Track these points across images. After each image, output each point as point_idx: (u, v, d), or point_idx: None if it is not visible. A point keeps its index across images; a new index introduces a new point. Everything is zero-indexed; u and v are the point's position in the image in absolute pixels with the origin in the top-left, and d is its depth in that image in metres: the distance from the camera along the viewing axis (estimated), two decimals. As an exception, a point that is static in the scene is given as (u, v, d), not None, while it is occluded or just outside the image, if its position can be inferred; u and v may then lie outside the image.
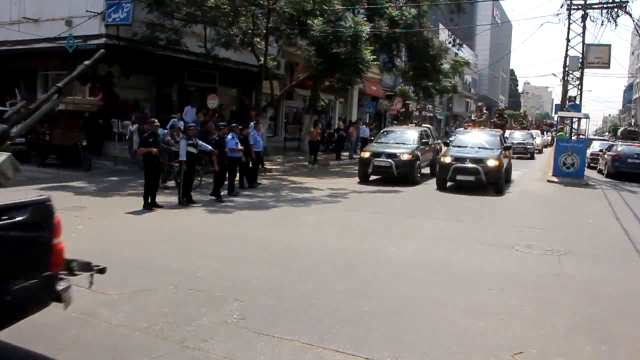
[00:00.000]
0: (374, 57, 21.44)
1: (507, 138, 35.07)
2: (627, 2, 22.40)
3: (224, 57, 19.33)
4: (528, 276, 6.80)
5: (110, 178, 14.31)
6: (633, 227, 10.58)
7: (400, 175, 15.39)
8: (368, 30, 19.49)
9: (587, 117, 24.36)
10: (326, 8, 17.92)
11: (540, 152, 37.20)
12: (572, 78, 25.99)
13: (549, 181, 18.84)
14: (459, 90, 43.01)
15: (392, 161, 15.24)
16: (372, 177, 16.19)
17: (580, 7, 23.87)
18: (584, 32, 24.11)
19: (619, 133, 36.34)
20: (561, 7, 24.14)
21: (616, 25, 22.95)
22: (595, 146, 27.61)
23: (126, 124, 18.19)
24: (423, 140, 16.96)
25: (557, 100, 46.55)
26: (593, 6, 23.58)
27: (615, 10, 22.68)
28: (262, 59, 18.97)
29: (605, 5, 23.09)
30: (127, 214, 9.73)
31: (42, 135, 15.83)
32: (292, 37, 20.37)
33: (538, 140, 37.88)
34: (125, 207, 10.22)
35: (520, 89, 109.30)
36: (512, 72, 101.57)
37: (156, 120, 11.73)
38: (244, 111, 22.66)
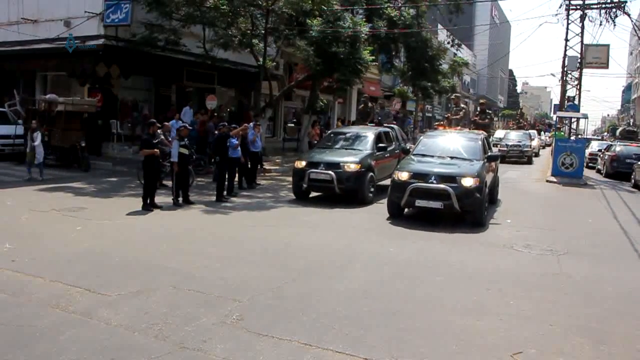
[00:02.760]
0: (373, 57, 21.43)
1: (496, 141, 29.66)
2: (626, 2, 22.46)
3: (223, 58, 19.31)
4: (527, 276, 6.81)
5: (109, 179, 14.30)
6: (632, 227, 10.60)
7: (345, 192, 11.62)
8: (367, 30, 19.48)
9: (585, 117, 24.42)
10: (325, 8, 17.90)
11: (537, 155, 31.86)
12: (571, 78, 26.00)
13: (547, 181, 18.86)
14: (457, 91, 43.03)
15: (332, 173, 11.39)
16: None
17: (578, 7, 23.88)
18: (582, 32, 24.13)
19: (617, 133, 36.41)
20: (560, 7, 24.33)
21: (614, 25, 23.04)
22: (594, 146, 27.70)
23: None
24: (380, 145, 12.90)
25: (556, 100, 46.63)
26: (591, 6, 23.60)
27: (614, 10, 22.71)
28: (260, 59, 18.96)
29: (603, 6, 23.12)
30: (126, 215, 9.72)
31: (41, 136, 15.79)
32: (291, 38, 20.35)
33: (535, 142, 32.03)
34: (124, 208, 10.22)
35: (519, 89, 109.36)
36: (510, 72, 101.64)
37: (156, 122, 11.71)
38: (243, 112, 22.65)
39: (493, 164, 11.63)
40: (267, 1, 17.43)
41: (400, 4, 24.09)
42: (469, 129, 14.02)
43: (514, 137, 28.67)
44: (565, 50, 25.42)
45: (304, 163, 11.96)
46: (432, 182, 9.49)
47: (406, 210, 10.49)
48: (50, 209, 9.79)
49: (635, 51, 72.12)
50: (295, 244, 8.07)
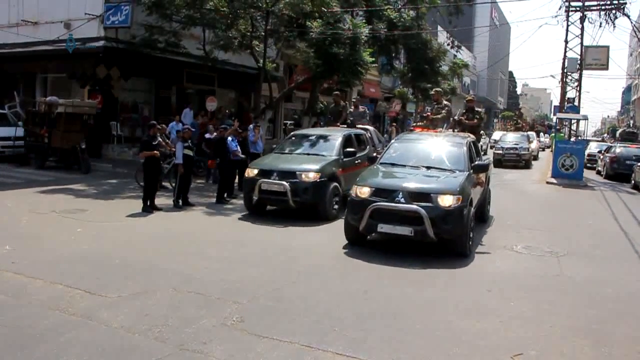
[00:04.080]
0: (373, 59, 21.43)
1: (492, 143, 29.23)
2: (625, 3, 22.48)
3: (223, 60, 19.32)
4: (527, 277, 6.81)
5: (109, 180, 14.30)
6: (632, 228, 10.61)
7: (302, 206, 9.90)
8: (367, 32, 19.49)
9: (585, 118, 24.44)
10: (325, 10, 17.90)
11: (535, 158, 29.91)
12: (571, 80, 26.03)
13: (547, 182, 18.87)
14: (457, 92, 43.01)
15: (286, 184, 9.61)
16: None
17: (578, 8, 23.91)
18: (582, 34, 24.17)
19: (617, 134, 36.44)
20: (559, 9, 24.29)
21: (614, 27, 23.04)
22: (592, 147, 27.76)
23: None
24: (348, 150, 10.93)
25: (556, 101, 46.56)
26: (591, 8, 23.63)
27: (614, 12, 22.73)
28: (260, 61, 18.96)
29: (603, 7, 23.14)
30: (126, 217, 9.72)
31: (41, 138, 15.81)
32: (291, 40, 20.35)
33: (533, 145, 29.89)
34: (124, 210, 10.22)
35: (519, 90, 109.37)
36: (510, 73, 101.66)
37: (156, 123, 11.72)
38: (243, 113, 22.66)
39: (482, 175, 9.28)
40: (267, 3, 17.44)
41: (400, 6, 24.11)
42: (453, 130, 11.83)
43: (510, 139, 26.94)
44: (565, 52, 25.46)
45: (255, 171, 10.21)
46: (399, 201, 7.29)
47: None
48: (51, 210, 9.79)
49: (635, 52, 72.16)
50: (295, 245, 8.05)
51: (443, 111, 11.97)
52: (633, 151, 21.70)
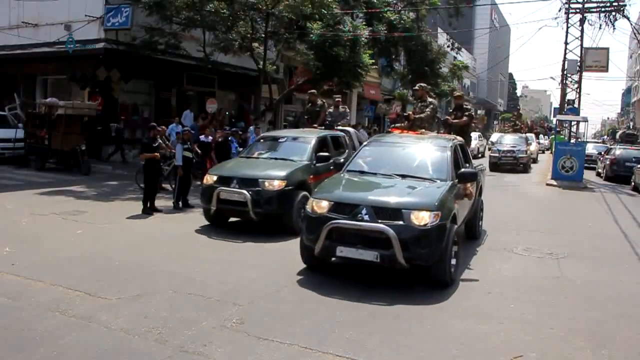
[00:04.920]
0: (373, 60, 21.45)
1: (489, 145, 28.13)
2: (625, 5, 22.52)
3: (223, 62, 19.35)
4: (527, 279, 6.81)
5: (109, 182, 14.30)
6: (632, 230, 10.60)
7: (265, 218, 8.80)
8: (367, 34, 19.51)
9: (585, 120, 24.44)
10: (325, 12, 17.92)
11: (535, 161, 28.95)
12: (571, 81, 26.05)
13: (547, 184, 18.87)
14: (456, 93, 43.07)
15: (247, 193, 8.50)
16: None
17: (578, 10, 23.95)
18: (582, 36, 24.21)
19: (617, 136, 36.46)
20: (559, 10, 24.39)
21: (614, 28, 23.04)
22: (589, 148, 27.84)
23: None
24: (322, 155, 9.68)
25: (556, 103, 46.60)
26: (591, 10, 23.66)
27: (613, 13, 22.77)
28: (261, 63, 18.98)
29: (603, 9, 23.18)
30: (126, 219, 9.72)
31: (41, 140, 15.83)
32: (291, 41, 20.39)
33: (532, 147, 28.55)
34: (124, 212, 10.22)
35: (519, 92, 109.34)
36: (510, 75, 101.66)
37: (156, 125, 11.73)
38: (243, 115, 22.68)
39: (469, 185, 7.79)
40: (267, 5, 17.46)
41: (400, 8, 24.13)
42: (437, 131, 10.56)
43: (507, 141, 25.32)
44: (565, 54, 25.50)
45: (214, 178, 9.12)
46: (363, 218, 5.95)
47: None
48: (51, 212, 9.79)
49: (635, 54, 72.19)
50: (295, 247, 8.01)
51: (427, 110, 10.33)
52: (632, 153, 21.80)
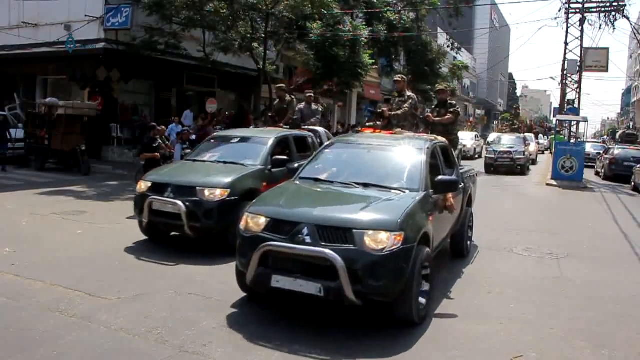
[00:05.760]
0: (373, 60, 21.49)
1: (486, 146, 26.97)
2: (625, 5, 22.52)
3: (223, 62, 19.36)
4: (527, 280, 6.81)
5: (109, 182, 14.30)
6: (632, 230, 10.60)
7: (203, 233, 7.46)
8: (367, 34, 19.53)
9: (585, 120, 24.48)
10: (325, 12, 17.94)
11: (534, 162, 28.15)
12: (571, 81, 26.06)
13: (547, 184, 18.88)
14: (457, 94, 43.01)
15: (181, 204, 7.14)
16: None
17: (578, 10, 23.95)
18: (582, 36, 24.21)
19: (617, 136, 36.46)
20: (559, 10, 24.41)
21: (614, 28, 23.04)
22: (587, 147, 27.95)
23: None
24: (278, 158, 8.34)
25: (556, 103, 46.55)
26: (591, 10, 23.66)
27: (613, 13, 22.77)
28: (260, 63, 18.99)
29: (603, 9, 23.18)
30: (126, 219, 9.71)
31: (41, 140, 15.83)
32: (291, 41, 20.41)
33: (531, 148, 27.34)
34: (124, 212, 10.20)
35: (519, 92, 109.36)
36: (510, 75, 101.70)
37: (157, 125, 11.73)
38: (243, 115, 22.69)
39: (451, 195, 6.36)
40: (267, 5, 17.46)
41: (400, 8, 24.15)
42: (416, 131, 8.90)
43: (505, 141, 23.89)
44: (565, 54, 25.49)
45: (148, 184, 7.75)
46: (303, 240, 4.73)
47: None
48: (51, 212, 9.79)
49: (635, 54, 72.23)
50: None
51: (405, 105, 8.85)
52: (631, 153, 22.03)
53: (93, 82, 18.31)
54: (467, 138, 30.31)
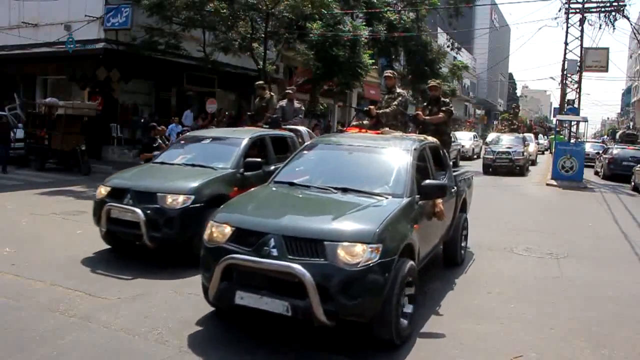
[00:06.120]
0: (373, 60, 21.50)
1: (485, 147, 26.74)
2: (625, 5, 22.54)
3: (223, 62, 19.37)
4: (527, 279, 6.81)
5: (109, 182, 14.28)
6: (632, 230, 10.60)
7: (165, 244, 6.79)
8: (367, 34, 19.54)
9: (585, 120, 24.50)
10: (325, 12, 17.95)
11: (533, 163, 27.90)
12: (571, 81, 26.07)
13: (547, 184, 18.89)
14: (457, 94, 43.01)
15: (140, 211, 6.49)
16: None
17: (578, 10, 23.96)
18: (582, 36, 24.22)
19: (617, 136, 36.47)
20: (559, 10, 24.42)
21: (614, 28, 23.06)
22: (587, 147, 28.07)
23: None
24: (252, 161, 7.59)
25: (556, 103, 46.53)
26: (591, 10, 23.68)
27: (613, 13, 22.79)
28: (261, 63, 19.00)
29: (603, 9, 23.20)
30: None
31: (41, 140, 15.83)
32: (291, 41, 20.43)
33: (531, 148, 26.84)
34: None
35: (518, 92, 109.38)
36: (510, 75, 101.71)
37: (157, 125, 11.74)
38: (243, 115, 22.71)
39: (440, 201, 5.75)
40: (267, 5, 17.47)
41: (400, 8, 24.16)
42: (405, 130, 8.09)
43: (503, 142, 23.53)
44: (565, 54, 25.51)
45: (108, 189, 7.08)
46: (270, 253, 4.27)
47: None
48: (51, 212, 9.79)
49: (635, 54, 72.23)
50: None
51: (394, 103, 8.19)
52: (630, 152, 22.27)
53: (93, 82, 18.32)
54: (465, 138, 30.30)
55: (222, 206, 5.22)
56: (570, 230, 10.47)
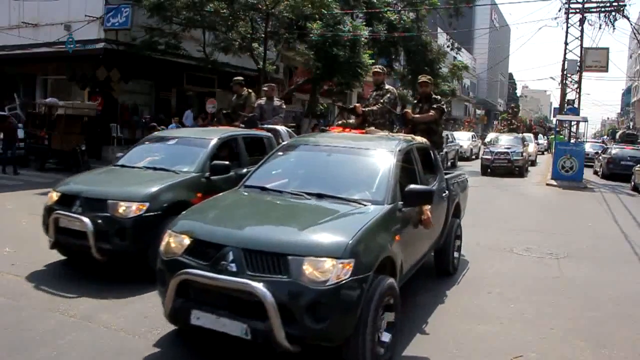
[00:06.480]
0: (373, 61, 21.48)
1: (481, 149, 27.15)
2: (625, 5, 22.56)
3: (223, 62, 19.38)
4: (527, 279, 6.81)
5: (109, 182, 14.28)
6: (632, 230, 10.61)
7: (114, 257, 6.04)
8: (367, 34, 19.54)
9: (585, 120, 24.50)
10: (325, 12, 17.95)
11: (533, 163, 27.63)
12: (571, 81, 26.08)
13: (547, 184, 18.89)
14: (457, 94, 43.01)
15: (88, 221, 5.78)
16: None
17: (578, 10, 23.97)
18: (582, 36, 24.24)
19: (617, 136, 36.47)
20: (559, 10, 24.50)
21: (614, 28, 23.09)
22: (586, 147, 28.15)
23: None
24: (219, 164, 6.83)
25: (556, 103, 46.53)
26: (591, 10, 23.69)
27: (613, 13, 22.80)
28: (260, 63, 19.00)
29: (602, 9, 23.21)
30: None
31: (41, 140, 15.83)
32: (291, 42, 20.43)
33: (530, 149, 26.27)
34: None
35: (518, 92, 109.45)
36: (510, 75, 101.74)
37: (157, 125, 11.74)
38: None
39: (427, 208, 5.12)
40: (267, 5, 17.47)
41: (400, 8, 24.16)
42: (391, 130, 7.11)
43: (502, 142, 23.15)
44: (565, 54, 25.53)
45: (58, 194, 6.60)
46: (227, 268, 3.82)
47: None
48: (51, 212, 9.77)
49: (635, 54, 72.27)
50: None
51: (384, 99, 7.56)
52: (628, 152, 22.54)
53: (93, 82, 18.32)
54: (463, 138, 30.25)
55: (182, 213, 4.68)
56: (570, 230, 10.47)
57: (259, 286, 3.56)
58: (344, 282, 3.63)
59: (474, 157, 29.60)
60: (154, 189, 6.16)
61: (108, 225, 5.83)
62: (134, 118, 20.21)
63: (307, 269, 3.64)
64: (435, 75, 29.43)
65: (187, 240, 4.10)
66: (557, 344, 4.79)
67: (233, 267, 3.76)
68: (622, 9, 22.52)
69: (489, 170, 21.20)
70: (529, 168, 24.31)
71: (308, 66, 19.93)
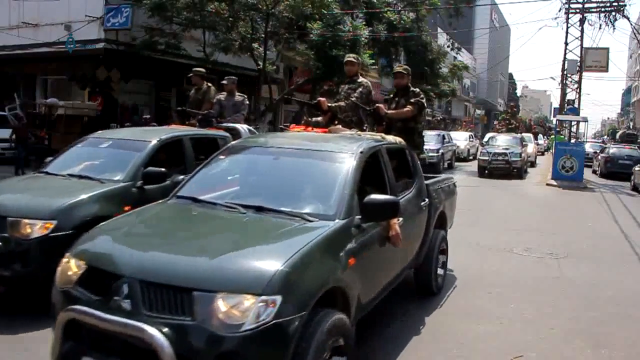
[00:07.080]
0: (373, 61, 21.49)
1: (478, 150, 25.89)
2: (625, 5, 22.58)
3: (223, 62, 19.38)
4: (527, 280, 6.80)
5: (109, 182, 14.26)
6: (632, 230, 10.60)
7: (15, 284, 5.03)
8: (367, 34, 19.54)
9: (585, 120, 24.52)
10: (325, 12, 17.96)
11: (532, 164, 27.12)
12: (571, 81, 26.10)
13: (548, 184, 18.89)
14: (457, 94, 43.01)
15: None
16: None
17: (578, 10, 23.99)
18: (582, 36, 24.27)
19: (617, 136, 36.50)
20: (559, 10, 24.52)
21: (614, 28, 23.12)
22: (586, 147, 28.29)
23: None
24: (153, 171, 5.72)
25: (556, 103, 46.52)
26: (591, 10, 23.70)
27: (613, 13, 22.82)
28: (260, 63, 19.00)
29: (603, 9, 23.23)
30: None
31: (41, 140, 15.83)
32: (291, 42, 20.43)
33: (530, 149, 25.69)
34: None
35: (519, 92, 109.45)
36: (510, 75, 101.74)
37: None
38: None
39: (395, 222, 4.19)
40: (267, 5, 17.48)
41: (400, 8, 24.16)
42: (361, 128, 5.92)
43: (500, 142, 22.39)
44: (565, 54, 25.56)
45: None
46: (119, 306, 2.93)
47: None
48: (51, 212, 9.76)
49: (635, 54, 72.27)
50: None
51: (355, 93, 6.51)
52: (625, 152, 22.95)
53: (93, 82, 18.33)
54: (460, 138, 30.18)
55: (89, 231, 3.78)
56: (570, 230, 10.47)
57: (154, 332, 2.75)
58: (265, 325, 2.76)
59: (471, 157, 29.54)
60: (65, 203, 5.06)
61: (7, 247, 4.80)
62: (134, 118, 20.21)
63: (218, 308, 2.79)
64: (436, 75, 29.46)
65: (81, 266, 3.27)
66: (557, 344, 4.79)
67: (126, 304, 2.92)
68: (622, 9, 22.55)
69: (486, 171, 20.65)
70: (528, 169, 23.91)
71: (308, 66, 19.93)
